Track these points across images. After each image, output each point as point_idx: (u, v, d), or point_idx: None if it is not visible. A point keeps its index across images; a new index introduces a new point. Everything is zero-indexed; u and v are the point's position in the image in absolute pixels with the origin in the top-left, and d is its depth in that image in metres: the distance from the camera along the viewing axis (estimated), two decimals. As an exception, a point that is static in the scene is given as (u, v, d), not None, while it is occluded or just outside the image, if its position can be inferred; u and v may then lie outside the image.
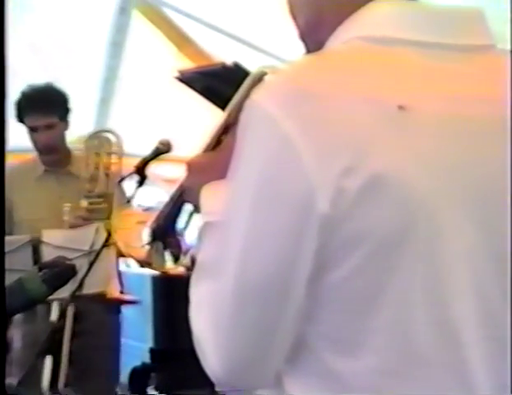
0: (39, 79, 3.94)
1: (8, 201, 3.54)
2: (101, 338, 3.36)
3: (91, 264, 2.99)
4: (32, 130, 3.49)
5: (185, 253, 1.47)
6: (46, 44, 5.78)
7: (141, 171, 3.11)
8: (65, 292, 2.82)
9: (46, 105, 3.48)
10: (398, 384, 0.96)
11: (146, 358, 3.74)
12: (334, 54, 1.02)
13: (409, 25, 1.01)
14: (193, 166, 1.27)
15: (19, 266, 2.89)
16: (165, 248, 1.43)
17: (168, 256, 1.46)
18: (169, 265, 1.51)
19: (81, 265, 2.96)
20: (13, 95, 3.40)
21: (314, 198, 0.92)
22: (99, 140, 3.52)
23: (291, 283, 0.95)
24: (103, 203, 3.38)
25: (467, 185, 0.96)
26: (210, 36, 6.00)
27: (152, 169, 3.15)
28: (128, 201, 3.20)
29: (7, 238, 3.34)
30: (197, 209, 1.23)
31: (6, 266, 2.58)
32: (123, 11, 5.99)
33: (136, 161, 3.16)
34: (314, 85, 0.95)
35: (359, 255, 0.93)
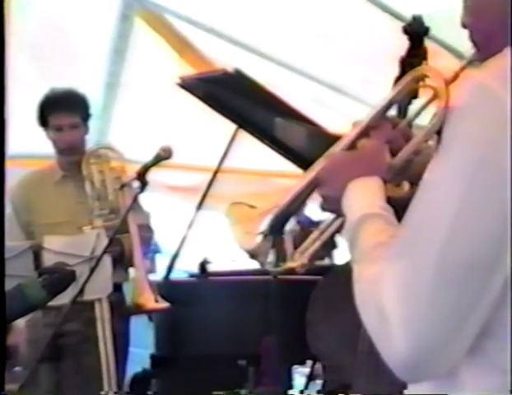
0: (40, 85, 3.94)
1: (26, 205, 3.55)
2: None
3: (92, 270, 2.99)
4: (57, 129, 3.52)
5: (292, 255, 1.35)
6: (47, 50, 5.77)
7: (141, 177, 3.11)
8: (65, 298, 2.81)
9: (71, 104, 3.54)
10: None
11: (147, 364, 3.72)
12: None
13: None
14: (336, 160, 1.27)
15: (20, 272, 2.89)
16: (273, 245, 1.37)
17: (272, 255, 1.38)
18: (270, 265, 1.40)
19: (82, 271, 2.96)
20: (14, 101, 3.40)
21: None
22: (98, 157, 3.52)
23: (495, 268, 0.93)
24: (116, 218, 3.38)
25: None
26: (212, 42, 6.00)
27: (153, 176, 3.15)
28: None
29: (8, 244, 3.34)
30: (328, 202, 1.24)
31: (8, 272, 2.58)
32: (125, 18, 5.98)
33: (137, 167, 3.17)
34: None
35: None
